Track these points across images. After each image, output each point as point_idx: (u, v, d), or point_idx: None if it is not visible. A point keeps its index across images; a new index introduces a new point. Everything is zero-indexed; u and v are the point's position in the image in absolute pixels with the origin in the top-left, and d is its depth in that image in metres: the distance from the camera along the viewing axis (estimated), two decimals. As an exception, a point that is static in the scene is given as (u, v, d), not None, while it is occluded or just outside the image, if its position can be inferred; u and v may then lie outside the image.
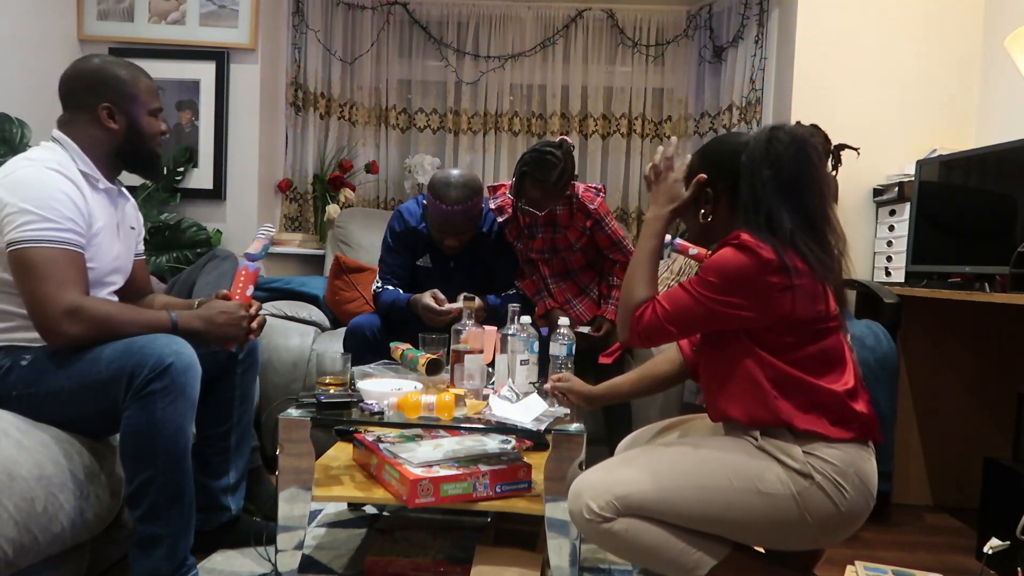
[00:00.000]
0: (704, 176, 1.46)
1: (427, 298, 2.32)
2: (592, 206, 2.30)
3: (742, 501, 1.33)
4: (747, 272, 1.30)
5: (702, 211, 1.48)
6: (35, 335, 1.55)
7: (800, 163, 1.36)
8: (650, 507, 1.36)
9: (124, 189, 1.82)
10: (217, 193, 3.44)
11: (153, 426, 1.49)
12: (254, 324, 1.75)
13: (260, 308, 1.80)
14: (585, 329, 2.37)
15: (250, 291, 1.78)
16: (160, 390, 1.49)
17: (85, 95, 1.66)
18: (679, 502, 1.35)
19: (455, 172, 2.34)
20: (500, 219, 2.44)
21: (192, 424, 1.59)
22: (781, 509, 1.31)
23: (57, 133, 1.67)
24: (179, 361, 1.51)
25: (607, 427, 2.51)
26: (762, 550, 1.48)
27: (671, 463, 1.40)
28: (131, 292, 1.84)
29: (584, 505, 1.38)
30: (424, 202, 2.48)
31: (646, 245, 1.48)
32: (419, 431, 1.90)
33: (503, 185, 2.47)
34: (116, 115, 1.68)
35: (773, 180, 1.35)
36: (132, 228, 1.84)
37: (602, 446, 2.38)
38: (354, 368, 1.91)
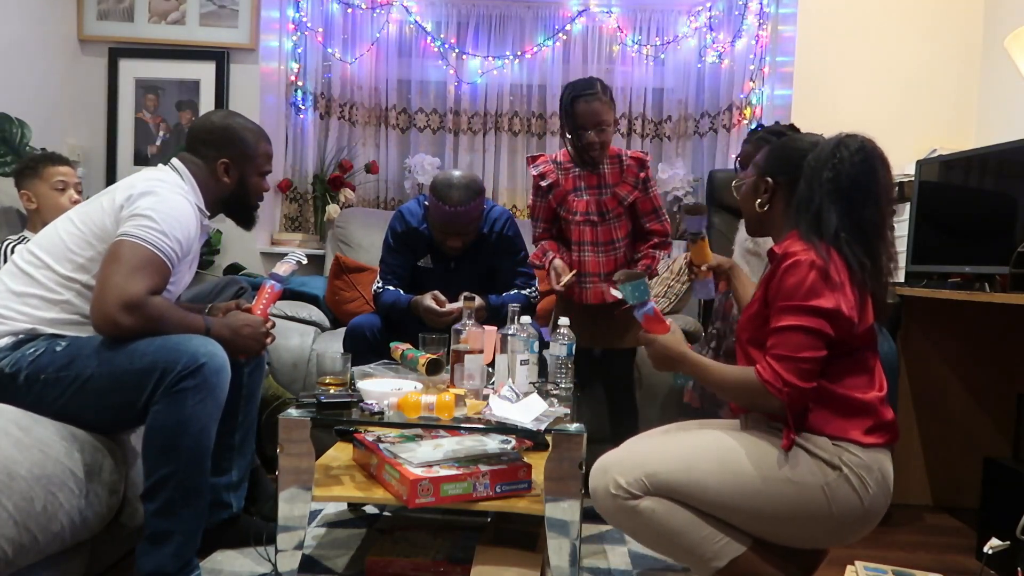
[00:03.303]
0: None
1: (428, 300, 2.32)
2: (647, 159, 2.33)
3: (772, 489, 1.33)
4: (823, 285, 1.31)
5: (759, 200, 1.52)
6: (84, 332, 1.61)
7: (861, 172, 1.37)
8: (679, 488, 1.36)
9: (210, 224, 1.91)
10: (217, 193, 3.44)
11: (180, 423, 1.53)
12: (268, 340, 1.82)
13: (274, 325, 1.86)
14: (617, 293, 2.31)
15: (270, 308, 1.85)
16: (192, 388, 1.53)
17: (209, 147, 1.83)
18: (709, 485, 1.35)
19: (456, 173, 2.34)
20: (544, 183, 2.39)
21: (216, 426, 1.62)
22: (810, 500, 1.32)
23: (178, 164, 1.81)
24: (212, 362, 1.56)
25: (612, 426, 2.50)
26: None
27: (703, 447, 1.41)
28: None
29: (612, 480, 1.38)
30: (425, 203, 2.48)
31: (707, 372, 1.45)
32: (419, 431, 1.90)
33: (542, 155, 2.46)
34: (231, 170, 1.84)
35: (831, 183, 1.37)
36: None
37: (607, 445, 2.37)
38: (354, 368, 1.91)
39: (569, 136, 2.32)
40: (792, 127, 2.17)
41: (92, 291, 1.60)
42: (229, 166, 1.83)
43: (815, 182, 1.39)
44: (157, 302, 1.60)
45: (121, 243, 1.58)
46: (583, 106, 2.23)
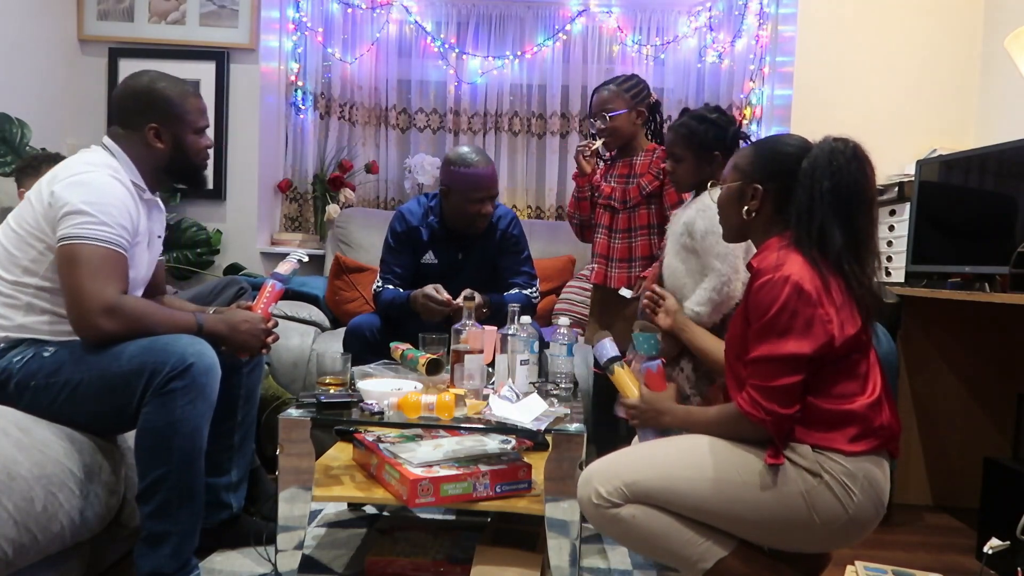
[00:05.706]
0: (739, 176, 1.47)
1: (428, 287, 2.31)
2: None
3: (750, 495, 1.33)
4: (796, 305, 1.30)
5: (745, 207, 1.46)
6: (63, 331, 1.59)
7: (859, 179, 1.36)
8: (657, 495, 1.36)
9: (159, 200, 1.84)
10: (217, 193, 3.44)
11: (171, 424, 1.52)
12: (269, 339, 1.80)
13: (276, 324, 1.84)
14: (627, 293, 2.34)
15: (272, 308, 1.83)
16: (180, 389, 1.52)
17: (134, 115, 1.71)
18: (686, 491, 1.36)
19: (464, 147, 2.43)
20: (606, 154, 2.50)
21: (208, 425, 1.61)
22: (788, 506, 1.32)
23: (108, 142, 1.72)
24: (200, 362, 1.54)
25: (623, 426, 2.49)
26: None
27: (681, 453, 1.41)
28: (147, 293, 1.86)
29: (593, 490, 1.39)
30: (429, 204, 2.49)
31: (692, 419, 1.48)
32: (419, 431, 1.90)
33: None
34: (163, 135, 1.73)
35: (831, 193, 1.35)
36: (159, 236, 1.86)
37: (620, 444, 2.35)
38: (354, 368, 1.91)
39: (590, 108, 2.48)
40: (718, 108, 2.08)
41: (47, 292, 1.58)
42: (159, 130, 1.72)
43: (815, 192, 1.36)
44: (133, 301, 1.59)
45: (70, 248, 1.53)
46: (594, 97, 2.41)
